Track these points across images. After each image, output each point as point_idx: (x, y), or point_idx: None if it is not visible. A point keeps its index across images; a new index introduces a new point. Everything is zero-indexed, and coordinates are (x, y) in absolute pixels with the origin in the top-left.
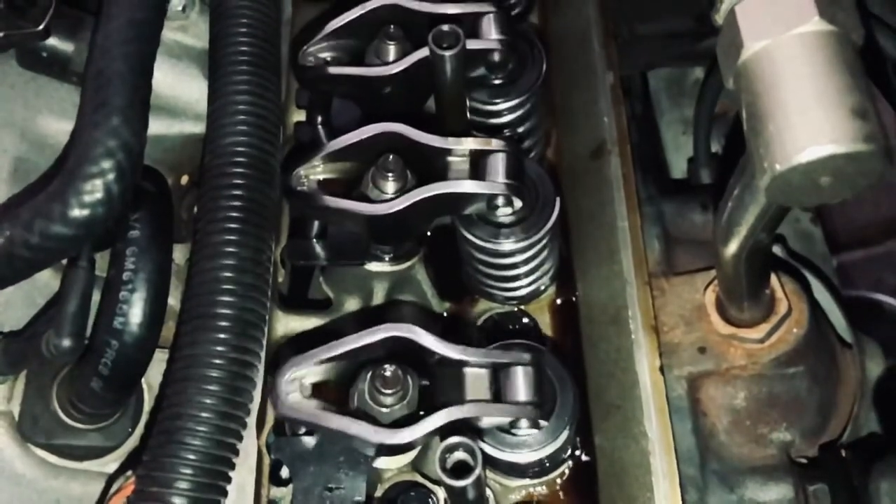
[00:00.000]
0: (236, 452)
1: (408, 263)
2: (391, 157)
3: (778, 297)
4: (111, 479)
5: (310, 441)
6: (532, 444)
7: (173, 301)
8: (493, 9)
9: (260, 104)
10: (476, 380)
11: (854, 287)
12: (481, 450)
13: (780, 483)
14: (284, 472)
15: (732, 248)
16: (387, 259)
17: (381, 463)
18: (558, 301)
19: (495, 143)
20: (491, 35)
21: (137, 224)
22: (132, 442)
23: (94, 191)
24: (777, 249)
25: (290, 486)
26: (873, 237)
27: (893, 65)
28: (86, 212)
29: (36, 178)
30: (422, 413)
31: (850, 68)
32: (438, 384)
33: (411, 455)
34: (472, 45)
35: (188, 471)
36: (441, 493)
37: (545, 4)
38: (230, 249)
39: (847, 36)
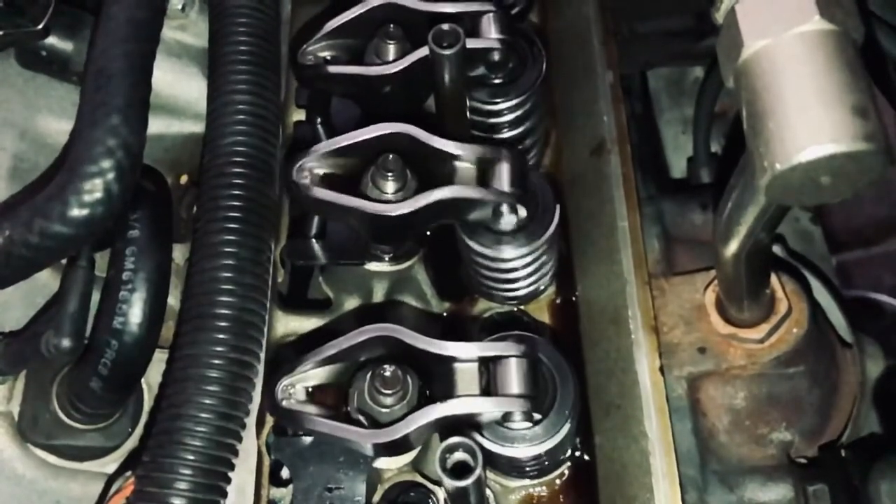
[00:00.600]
0: (236, 453)
1: (407, 263)
2: (391, 156)
3: (778, 297)
4: (111, 480)
5: (310, 441)
6: (532, 438)
7: (173, 301)
8: (493, 8)
9: (259, 103)
10: (466, 374)
11: (854, 287)
12: (482, 448)
13: (780, 483)
14: (284, 473)
15: (732, 247)
16: (386, 259)
17: (381, 463)
18: (558, 301)
19: (503, 152)
20: (491, 34)
21: (137, 223)
22: (132, 442)
23: (94, 190)
24: (777, 249)
25: (290, 486)
26: (873, 237)
27: (894, 64)
28: (85, 211)
29: (35, 178)
30: None
31: (850, 67)
32: (433, 382)
33: (411, 455)
34: (471, 44)
35: (188, 471)
36: (441, 494)
37: (545, 3)
38: (230, 249)
39: (847, 35)
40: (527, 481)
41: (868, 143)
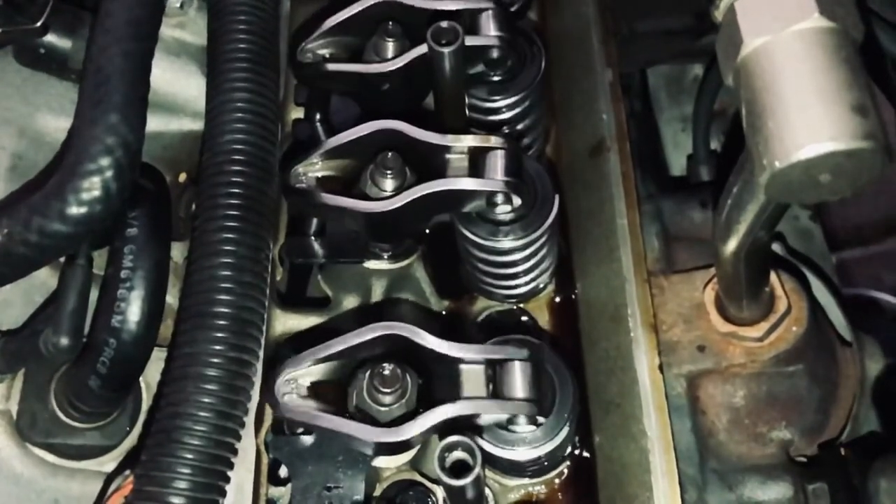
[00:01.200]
0: (235, 451)
1: (406, 261)
2: (389, 154)
3: (777, 295)
4: (109, 479)
5: (308, 440)
6: (532, 441)
7: (171, 299)
8: (492, 5)
9: (258, 101)
10: (472, 376)
11: (853, 285)
12: (480, 448)
13: (780, 482)
14: (283, 472)
15: (732, 245)
16: (385, 257)
17: (380, 462)
18: (557, 299)
19: (494, 141)
20: (490, 31)
21: (135, 222)
22: (130, 441)
23: (93, 188)
24: (776, 247)
25: (289, 485)
26: (873, 235)
27: (893, 62)
28: (84, 209)
29: (34, 176)
30: (420, 411)
31: (849, 65)
32: (435, 382)
33: (410, 454)
34: (470, 41)
35: (186, 470)
36: (440, 493)
37: (544, 1)
38: (228, 247)
39: (847, 32)
40: (526, 480)
41: (867, 141)
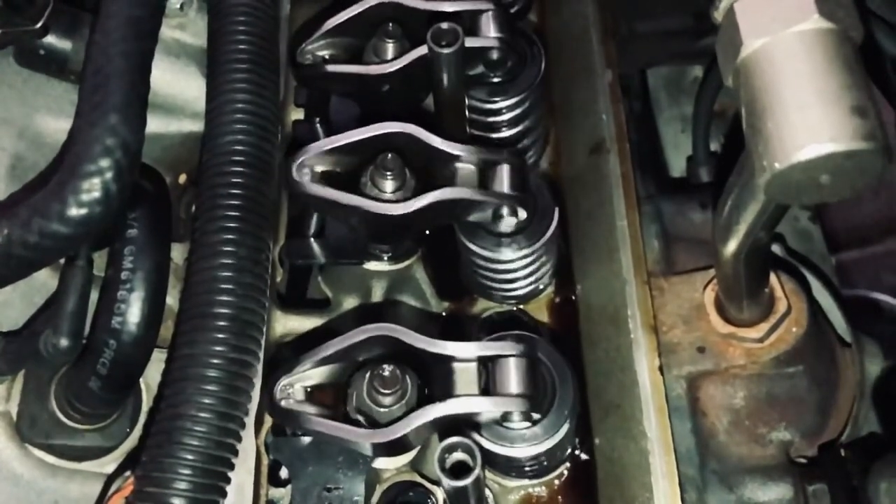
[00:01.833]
0: (235, 452)
1: (406, 262)
2: (390, 155)
3: (777, 297)
4: (110, 480)
5: (309, 441)
6: (531, 438)
7: (172, 300)
8: (492, 6)
9: (258, 102)
10: (465, 374)
11: (853, 286)
12: (481, 448)
13: (780, 483)
14: (283, 473)
15: (731, 246)
16: (385, 258)
17: (380, 463)
18: (557, 300)
19: (504, 154)
20: (490, 33)
21: (135, 223)
22: (130, 442)
23: (92, 189)
24: (776, 248)
25: (289, 486)
26: (872, 236)
27: (893, 63)
28: (84, 210)
29: (34, 177)
30: None
31: (849, 66)
32: (432, 382)
33: (410, 455)
34: (470, 42)
35: (187, 471)
36: (440, 494)
37: (544, 2)
38: (228, 249)
39: (846, 33)
40: (526, 481)
41: (867, 142)
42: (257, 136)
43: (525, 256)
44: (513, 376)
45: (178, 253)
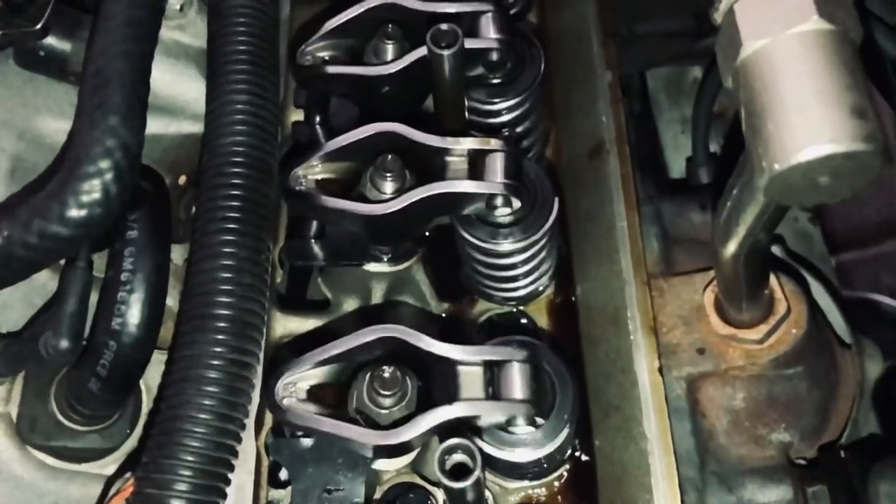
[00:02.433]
0: (235, 454)
1: (406, 264)
2: (389, 156)
3: (777, 298)
4: (110, 481)
5: (309, 443)
6: (532, 442)
7: (172, 302)
8: (492, 8)
9: (258, 104)
10: (470, 378)
11: (853, 287)
12: (480, 450)
13: (780, 484)
14: (283, 474)
15: (731, 248)
16: (385, 259)
17: (380, 464)
18: (557, 301)
19: (494, 143)
20: (489, 34)
21: (135, 224)
22: (131, 443)
23: (92, 191)
24: (776, 249)
25: (289, 487)
26: (872, 237)
27: (892, 64)
28: (84, 212)
29: (34, 178)
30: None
31: (848, 67)
32: (434, 384)
33: (410, 457)
34: (470, 44)
35: (187, 473)
36: (440, 495)
37: (543, 3)
38: (228, 250)
39: (846, 35)
40: (526, 482)
41: (866, 143)
42: (257, 138)
43: (524, 249)
44: (518, 381)
45: (178, 254)
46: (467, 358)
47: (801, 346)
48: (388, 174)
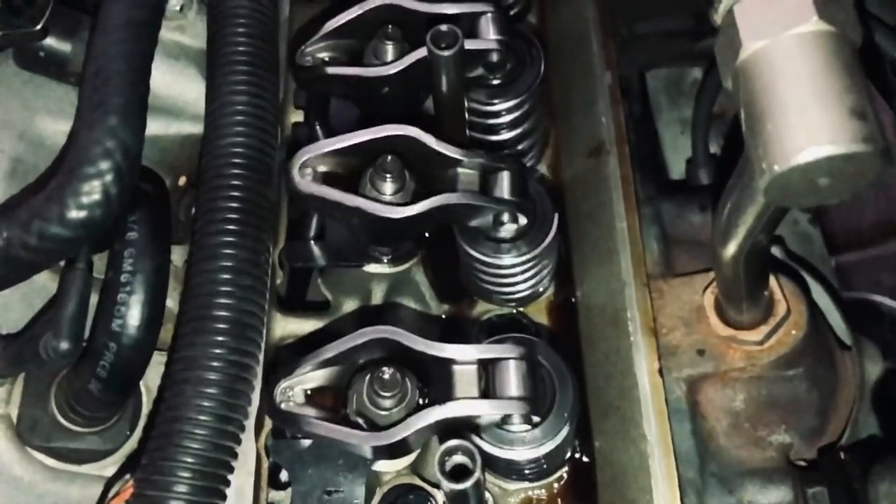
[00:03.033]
0: (235, 455)
1: (406, 265)
2: (390, 158)
3: (777, 299)
4: (110, 483)
5: (309, 444)
6: (531, 441)
7: (172, 303)
8: (492, 9)
9: (258, 104)
10: (464, 377)
11: (853, 288)
12: (480, 450)
13: (780, 486)
14: (283, 476)
15: (731, 249)
16: (385, 261)
17: (380, 466)
18: (557, 302)
19: (504, 160)
20: (489, 35)
21: (135, 225)
22: (130, 445)
23: (92, 192)
24: (776, 251)
25: (289, 489)
26: (872, 238)
27: (892, 65)
28: (83, 213)
29: (34, 179)
30: None
31: (848, 68)
32: (432, 384)
33: (410, 458)
34: (470, 45)
35: (186, 474)
36: (440, 496)
37: (543, 4)
38: (228, 251)
39: (846, 36)
40: (526, 484)
41: (866, 144)
42: (257, 139)
43: (525, 262)
44: (513, 379)
45: (178, 255)
46: (462, 357)
47: (801, 348)
48: (388, 175)
